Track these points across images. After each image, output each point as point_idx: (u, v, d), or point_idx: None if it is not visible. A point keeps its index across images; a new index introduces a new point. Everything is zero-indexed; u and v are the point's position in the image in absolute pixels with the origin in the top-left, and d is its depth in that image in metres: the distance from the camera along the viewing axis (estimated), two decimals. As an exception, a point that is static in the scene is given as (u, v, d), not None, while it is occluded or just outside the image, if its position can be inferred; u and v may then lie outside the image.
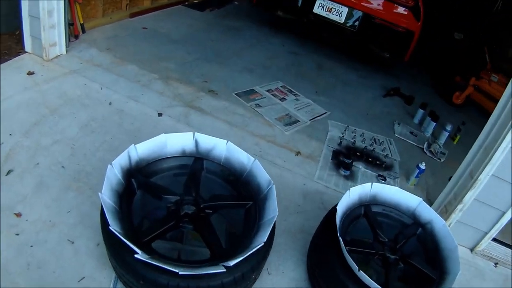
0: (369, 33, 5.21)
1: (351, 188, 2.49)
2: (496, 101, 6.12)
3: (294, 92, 4.50)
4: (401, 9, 5.07)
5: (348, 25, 5.14)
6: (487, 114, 5.91)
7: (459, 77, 6.38)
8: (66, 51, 3.94)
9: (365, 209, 2.60)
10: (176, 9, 6.00)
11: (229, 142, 2.44)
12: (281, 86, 4.54)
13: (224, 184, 2.49)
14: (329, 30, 5.38)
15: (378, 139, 4.23)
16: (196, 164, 2.43)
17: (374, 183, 2.64)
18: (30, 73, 3.55)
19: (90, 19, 4.56)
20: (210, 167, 2.48)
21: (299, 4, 5.28)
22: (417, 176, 3.76)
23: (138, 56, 4.28)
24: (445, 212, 3.42)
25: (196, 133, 2.43)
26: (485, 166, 3.05)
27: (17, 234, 2.32)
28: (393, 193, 2.67)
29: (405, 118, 4.98)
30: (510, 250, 3.68)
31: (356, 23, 5.11)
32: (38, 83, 3.48)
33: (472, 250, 3.55)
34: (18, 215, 2.43)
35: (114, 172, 2.11)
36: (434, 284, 2.30)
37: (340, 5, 5.05)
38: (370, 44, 5.40)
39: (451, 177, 3.76)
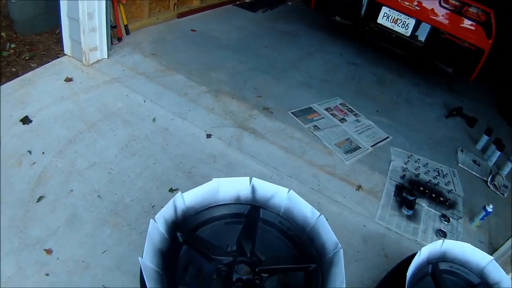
0: (436, 48, 4.77)
1: (422, 248, 2.19)
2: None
3: (354, 112, 4.07)
4: (472, 24, 4.61)
5: (413, 38, 4.70)
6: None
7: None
8: (108, 56, 3.64)
9: (433, 268, 2.32)
10: (226, 9, 5.64)
11: (291, 190, 2.07)
12: (340, 104, 4.12)
13: (282, 239, 2.12)
14: (392, 42, 4.94)
15: (442, 171, 3.82)
16: (252, 213, 2.07)
17: (445, 240, 2.36)
18: (68, 80, 3.26)
19: (135, 19, 4.24)
20: (268, 218, 2.11)
21: (362, 12, 4.83)
22: (482, 219, 3.41)
23: (186, 64, 3.94)
24: (510, 263, 3.08)
25: (253, 178, 2.07)
26: None
27: (47, 275, 2.06)
28: (464, 249, 2.40)
29: (467, 144, 4.55)
30: None
31: (423, 38, 4.66)
32: (77, 92, 3.18)
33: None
34: (49, 251, 2.16)
35: (157, 228, 1.77)
36: None
37: (407, 17, 4.59)
38: (435, 59, 4.95)
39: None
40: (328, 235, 1.99)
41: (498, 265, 2.43)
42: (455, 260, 2.40)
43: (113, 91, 3.30)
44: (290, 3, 6.62)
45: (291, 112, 3.71)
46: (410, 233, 3.04)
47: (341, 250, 1.90)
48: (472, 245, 3.20)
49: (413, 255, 2.22)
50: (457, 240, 3.20)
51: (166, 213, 1.84)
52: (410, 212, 3.21)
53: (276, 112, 3.65)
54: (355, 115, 4.03)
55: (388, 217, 3.08)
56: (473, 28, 4.58)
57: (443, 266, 2.37)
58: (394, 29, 4.68)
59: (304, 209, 2.07)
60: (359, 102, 4.28)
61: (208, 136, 3.15)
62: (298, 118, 3.65)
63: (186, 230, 1.91)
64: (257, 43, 4.88)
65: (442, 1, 4.48)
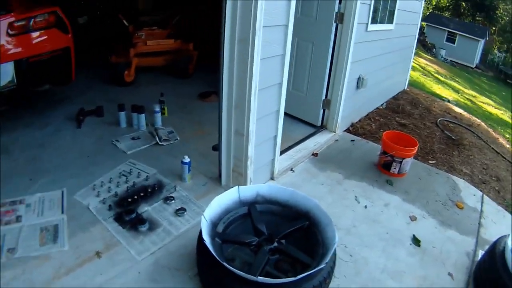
0: (29, 78, 4.49)
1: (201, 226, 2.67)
2: (160, 53, 6.46)
3: (16, 200, 3.64)
4: (45, 33, 4.48)
5: (4, 86, 4.26)
6: (156, 69, 6.67)
7: (113, 56, 6.32)
8: None
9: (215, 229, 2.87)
10: None
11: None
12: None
13: None
14: None
15: (124, 170, 4.06)
16: None
17: (216, 198, 2.93)
18: None
19: None
20: None
21: None
22: (189, 171, 3.84)
23: None
24: (241, 175, 3.76)
25: None
26: (249, 119, 3.45)
27: None
28: (229, 198, 3.03)
29: (115, 131, 4.83)
30: (288, 152, 4.57)
31: (11, 78, 4.28)
32: None
33: (272, 178, 4.01)
34: None
35: None
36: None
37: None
38: (35, 87, 4.78)
39: (214, 145, 4.02)
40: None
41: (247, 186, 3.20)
42: (234, 207, 3.06)
43: None
44: None
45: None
46: (166, 236, 3.26)
47: None
48: (206, 191, 3.81)
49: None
50: (194, 201, 3.63)
51: None
52: (146, 225, 3.35)
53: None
54: (20, 202, 3.63)
55: (140, 246, 3.18)
56: (47, 36, 4.49)
57: (224, 219, 2.97)
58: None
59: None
60: (10, 187, 3.82)
61: None
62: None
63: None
64: None
65: (8, 30, 4.09)
